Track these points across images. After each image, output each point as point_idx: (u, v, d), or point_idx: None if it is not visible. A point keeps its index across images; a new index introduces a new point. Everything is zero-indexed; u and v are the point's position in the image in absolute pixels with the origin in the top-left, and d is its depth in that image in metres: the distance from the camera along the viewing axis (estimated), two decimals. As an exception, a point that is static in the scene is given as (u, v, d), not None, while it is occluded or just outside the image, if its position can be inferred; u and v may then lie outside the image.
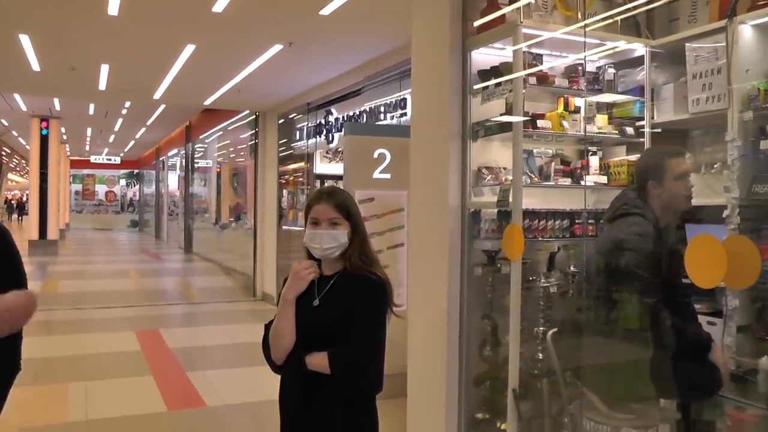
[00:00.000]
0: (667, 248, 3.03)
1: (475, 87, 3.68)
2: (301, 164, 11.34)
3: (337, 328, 2.33)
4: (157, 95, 10.83)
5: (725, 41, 3.13)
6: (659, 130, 3.77)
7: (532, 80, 3.55)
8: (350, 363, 2.31)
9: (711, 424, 3.30)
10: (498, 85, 3.54)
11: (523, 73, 3.37)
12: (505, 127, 3.50)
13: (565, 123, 3.62)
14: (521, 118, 3.31)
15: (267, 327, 2.51)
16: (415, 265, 4.13)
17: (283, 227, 11.68)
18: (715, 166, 3.35)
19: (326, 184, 11.94)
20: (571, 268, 3.70)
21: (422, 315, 3.98)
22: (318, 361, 2.32)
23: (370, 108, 8.55)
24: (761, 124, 3.14)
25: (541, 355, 3.66)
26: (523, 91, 3.42)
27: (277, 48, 7.45)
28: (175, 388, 6.46)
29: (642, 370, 3.02)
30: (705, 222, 3.30)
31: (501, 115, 3.50)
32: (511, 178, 3.70)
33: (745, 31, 3.14)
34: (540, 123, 3.56)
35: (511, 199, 3.35)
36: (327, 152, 11.75)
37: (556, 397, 3.68)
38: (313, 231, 2.42)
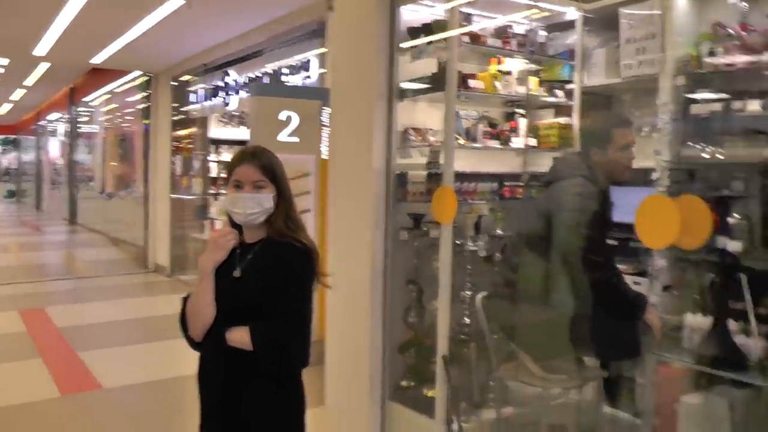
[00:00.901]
0: (605, 210, 3.03)
1: (403, 45, 3.55)
2: (195, 129, 10.89)
3: (260, 300, 2.15)
4: (38, 51, 10.00)
5: (659, 7, 3.15)
6: (585, 93, 3.78)
7: (465, 39, 3.44)
8: (274, 339, 2.13)
9: (632, 380, 3.38)
10: (429, 43, 3.41)
11: (458, 31, 3.26)
12: (436, 87, 3.39)
13: (497, 84, 3.54)
14: (455, 77, 3.19)
15: (185, 300, 2.29)
16: (336, 229, 3.98)
17: (177, 196, 11.20)
18: (644, 129, 3.38)
19: (220, 149, 11.58)
20: (498, 232, 3.66)
21: (344, 281, 3.85)
22: (239, 337, 2.14)
23: (273, 70, 8.25)
24: (692, 90, 3.19)
25: (468, 320, 3.62)
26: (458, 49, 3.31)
27: (176, 3, 7.00)
28: (67, 370, 6.03)
29: (573, 329, 3.02)
30: (632, 185, 3.32)
31: (433, 74, 3.38)
32: (439, 139, 3.62)
33: None
34: (472, 83, 3.48)
35: (441, 161, 3.24)
36: (223, 116, 11.34)
37: (484, 362, 3.66)
38: (236, 194, 2.21)
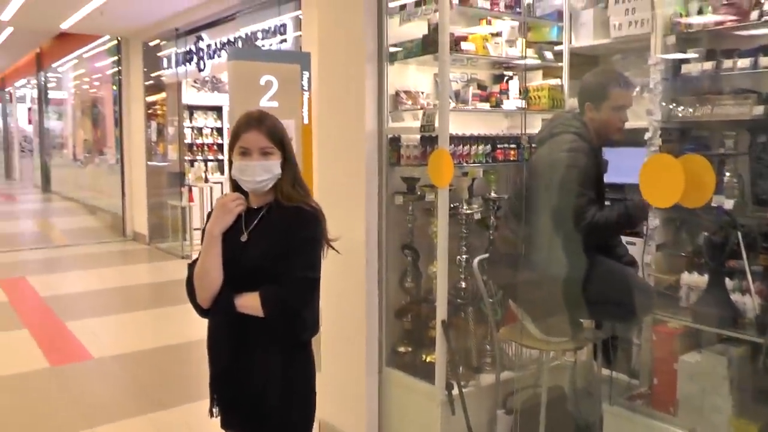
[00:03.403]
0: (599, 167, 3.02)
1: (392, 4, 3.48)
2: (168, 94, 10.71)
3: (269, 265, 2.12)
4: (4, 16, 9.71)
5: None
6: (574, 54, 3.75)
7: (455, 1, 3.38)
8: (285, 304, 2.11)
9: (628, 342, 3.43)
10: (418, 5, 3.35)
11: (449, -8, 3.19)
12: (427, 49, 3.34)
13: (489, 46, 3.50)
14: (448, 38, 3.13)
15: (191, 267, 2.26)
16: (327, 195, 3.94)
17: (153, 163, 11.05)
18: (636, 89, 3.37)
19: (195, 115, 11.41)
20: (492, 194, 3.66)
21: (338, 247, 3.82)
22: (249, 302, 2.12)
23: (246, 34, 8.09)
24: (682, 49, 3.18)
25: (464, 284, 3.63)
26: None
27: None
28: (55, 340, 6.00)
29: (571, 290, 3.03)
30: (624, 145, 3.32)
31: (424, 36, 3.33)
32: (431, 102, 3.58)
33: None
34: (464, 45, 3.42)
35: (437, 124, 3.21)
36: (195, 81, 11.14)
37: (482, 326, 3.69)
38: (244, 162, 2.17)
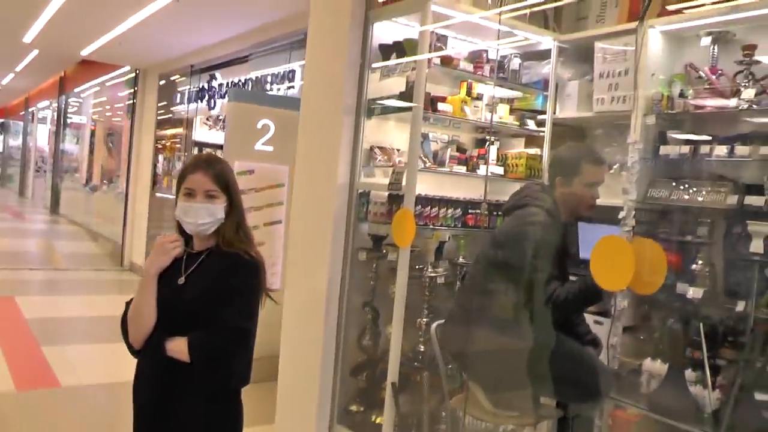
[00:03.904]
0: (562, 242, 2.95)
1: (375, 65, 3.48)
2: (180, 129, 10.79)
3: (203, 310, 2.08)
4: (27, 38, 9.92)
5: (635, 44, 3.11)
6: (556, 125, 3.72)
7: (436, 61, 3.37)
8: (213, 352, 2.06)
9: (590, 421, 3.29)
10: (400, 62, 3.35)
11: (430, 55, 3.18)
12: (404, 107, 3.32)
13: (467, 109, 3.47)
14: (422, 98, 3.11)
15: (128, 305, 2.22)
16: (295, 244, 3.89)
17: (157, 194, 11.08)
18: (614, 166, 3.32)
19: (205, 152, 11.50)
20: (460, 259, 3.58)
21: (299, 298, 3.77)
22: (178, 347, 2.06)
23: (256, 77, 8.19)
24: (662, 129, 3.14)
25: (422, 347, 3.53)
26: (426, 71, 3.23)
27: (164, 1, 6.93)
28: (28, 365, 5.88)
29: (528, 366, 2.94)
30: (599, 222, 3.26)
31: (401, 93, 3.31)
32: (405, 160, 3.54)
33: (653, 36, 3.15)
34: (441, 106, 3.40)
35: (404, 183, 3.16)
36: (208, 119, 11.26)
37: (437, 391, 3.57)
38: (188, 204, 2.15)
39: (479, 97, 3.56)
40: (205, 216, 2.14)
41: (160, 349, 2.08)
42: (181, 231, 2.23)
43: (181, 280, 2.16)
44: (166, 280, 2.16)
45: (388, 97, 3.42)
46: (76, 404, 5.12)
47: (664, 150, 3.13)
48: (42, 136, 23.27)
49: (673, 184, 3.12)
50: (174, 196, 2.28)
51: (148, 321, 2.12)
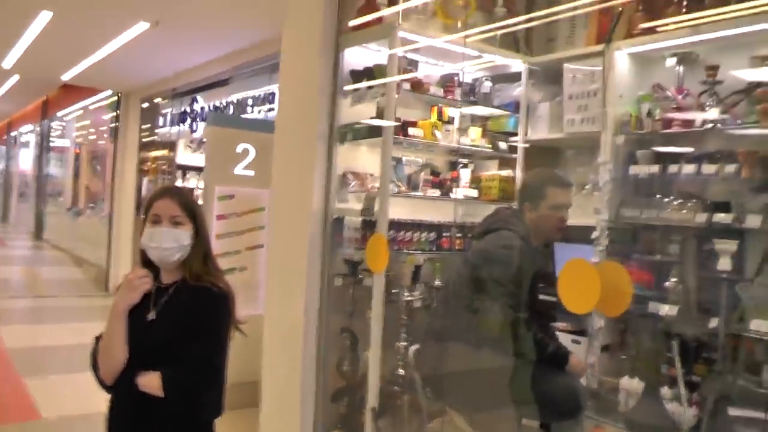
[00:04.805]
0: (534, 265, 2.97)
1: (346, 88, 3.50)
2: (164, 152, 10.77)
3: (174, 345, 2.10)
4: (6, 64, 9.91)
5: (602, 65, 3.15)
6: (528, 146, 3.74)
7: (406, 86, 3.39)
8: (185, 387, 2.09)
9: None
10: (370, 87, 3.37)
11: (397, 78, 3.21)
12: (375, 132, 3.34)
13: (437, 133, 3.50)
14: (392, 124, 3.14)
15: (98, 340, 2.22)
16: (273, 271, 3.89)
17: (141, 216, 11.05)
18: (586, 186, 3.35)
19: (188, 175, 11.49)
20: (436, 282, 3.59)
21: (278, 325, 3.76)
22: (149, 382, 2.08)
23: (237, 100, 8.21)
24: (632, 149, 3.17)
25: (402, 371, 3.53)
26: (396, 96, 3.25)
27: (143, 26, 6.95)
28: (7, 396, 5.82)
29: (505, 385, 2.95)
30: (574, 242, 3.28)
31: (371, 119, 3.33)
32: (378, 185, 3.55)
33: (621, 58, 3.20)
34: (411, 131, 3.42)
35: (376, 208, 3.18)
36: (191, 142, 11.25)
37: (417, 414, 3.57)
38: (153, 229, 2.16)
39: (450, 121, 3.59)
40: (170, 240, 2.14)
41: (132, 384, 2.09)
42: (147, 264, 2.23)
43: (152, 316, 2.16)
44: (136, 315, 2.16)
45: (359, 123, 3.43)
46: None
47: (633, 169, 3.17)
48: (25, 160, 23.13)
49: (644, 202, 3.15)
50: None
51: (119, 357, 2.13)
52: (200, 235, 2.22)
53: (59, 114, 17.57)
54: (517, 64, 3.72)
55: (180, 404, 2.09)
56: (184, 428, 2.15)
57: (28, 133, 22.46)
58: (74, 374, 6.71)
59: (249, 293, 5.44)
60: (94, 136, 14.93)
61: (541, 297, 3.05)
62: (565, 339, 3.29)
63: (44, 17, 7.06)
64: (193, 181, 11.50)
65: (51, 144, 19.17)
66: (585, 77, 3.36)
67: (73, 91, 14.17)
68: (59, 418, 5.39)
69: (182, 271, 2.20)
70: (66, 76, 10.62)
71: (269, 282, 3.94)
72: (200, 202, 11.86)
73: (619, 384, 3.11)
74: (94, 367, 2.22)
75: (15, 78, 13.16)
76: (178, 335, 2.09)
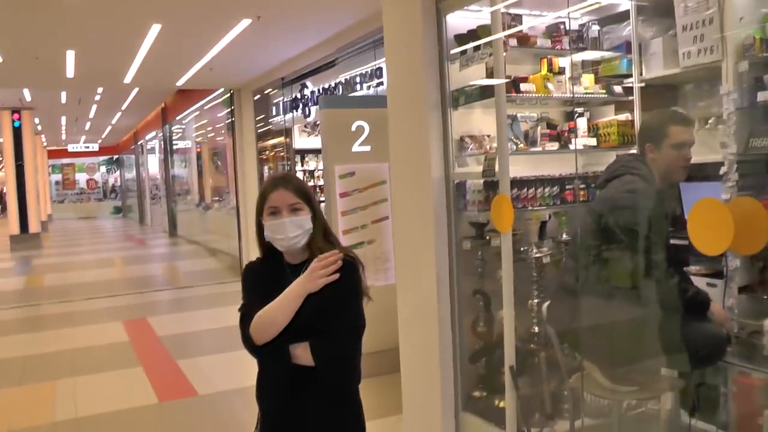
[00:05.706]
0: (662, 208, 2.88)
1: (452, 52, 3.50)
2: (281, 139, 11.12)
3: (317, 318, 2.17)
4: (127, 79, 10.54)
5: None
6: (644, 85, 3.60)
7: (513, 42, 3.36)
8: (335, 355, 2.17)
9: (715, 389, 3.19)
10: (477, 49, 3.36)
11: (502, 34, 3.17)
12: (487, 92, 3.33)
13: (549, 85, 3.45)
14: (503, 82, 3.12)
15: (245, 308, 2.29)
16: (401, 241, 3.98)
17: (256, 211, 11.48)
18: (709, 121, 3.20)
19: (306, 158, 11.83)
20: (563, 236, 3.56)
21: (412, 293, 3.85)
22: (302, 353, 2.17)
23: (345, 79, 8.35)
24: (757, 75, 2.97)
25: (537, 329, 3.54)
26: (504, 53, 3.22)
27: (245, 23, 7.20)
28: (166, 378, 6.32)
29: (643, 335, 2.90)
30: (701, 180, 3.15)
31: (482, 80, 3.32)
32: (495, 145, 3.55)
33: None
34: (523, 87, 3.39)
35: (497, 168, 3.18)
36: (305, 126, 11.55)
37: (555, 371, 3.57)
38: (275, 221, 2.21)
39: (561, 71, 3.52)
40: (294, 229, 2.20)
41: (288, 356, 2.18)
42: (268, 252, 2.30)
43: None
44: (275, 295, 2.21)
45: (471, 86, 3.43)
46: (214, 410, 5.44)
47: (761, 96, 2.98)
48: (153, 165, 24.53)
49: (777, 131, 2.97)
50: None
51: (278, 331, 2.19)
52: (317, 215, 2.27)
53: (178, 118, 18.45)
54: (623, 1, 3.58)
55: (331, 372, 2.17)
56: (334, 397, 2.22)
57: (152, 140, 23.80)
58: (220, 354, 7.18)
59: (379, 264, 5.59)
60: (213, 134, 15.60)
61: (672, 241, 2.96)
62: (699, 282, 3.17)
63: (154, 30, 7.46)
64: (312, 164, 11.84)
65: (174, 147, 20.19)
66: (698, 4, 3.18)
67: (187, 95, 14.89)
68: (213, 393, 5.78)
69: (308, 251, 2.26)
70: (180, 82, 11.15)
71: (398, 252, 4.03)
72: (321, 182, 12.25)
73: (763, 326, 2.97)
74: (244, 330, 2.25)
75: (135, 91, 14.00)
76: (317, 309, 2.16)
